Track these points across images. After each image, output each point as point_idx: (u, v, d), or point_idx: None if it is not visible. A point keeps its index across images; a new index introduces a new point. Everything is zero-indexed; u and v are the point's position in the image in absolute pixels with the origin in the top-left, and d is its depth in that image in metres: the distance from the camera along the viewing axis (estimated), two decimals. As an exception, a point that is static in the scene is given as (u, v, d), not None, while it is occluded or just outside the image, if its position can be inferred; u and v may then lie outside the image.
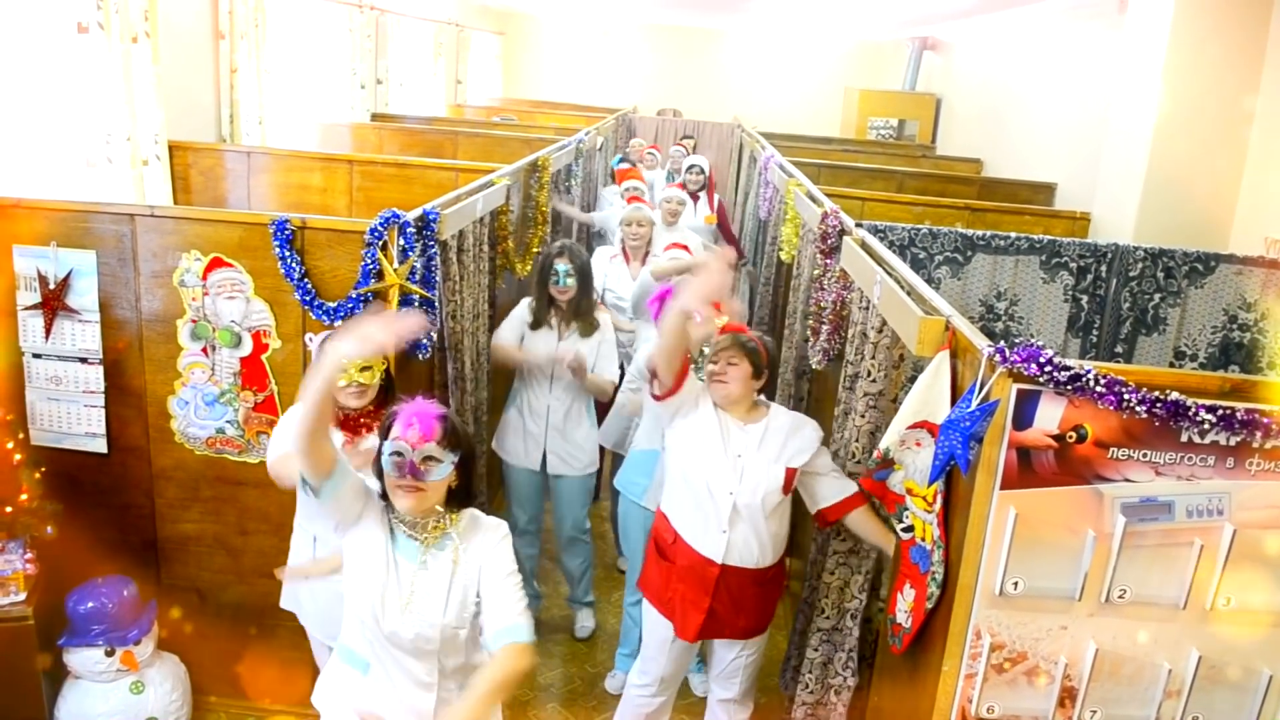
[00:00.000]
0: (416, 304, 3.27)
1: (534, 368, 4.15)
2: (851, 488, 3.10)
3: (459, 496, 2.42)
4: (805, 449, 3.15)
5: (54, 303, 3.33)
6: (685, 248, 4.84)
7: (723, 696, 3.42)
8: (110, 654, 3.30)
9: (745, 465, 3.12)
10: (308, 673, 3.61)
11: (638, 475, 3.88)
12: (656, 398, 3.26)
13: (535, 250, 5.26)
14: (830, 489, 3.14)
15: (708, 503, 3.14)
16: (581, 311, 4.14)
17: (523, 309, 4.20)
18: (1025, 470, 2.13)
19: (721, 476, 3.11)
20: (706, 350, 3.39)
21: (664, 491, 3.38)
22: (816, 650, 3.14)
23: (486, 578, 2.39)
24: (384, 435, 2.35)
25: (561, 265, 4.06)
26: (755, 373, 3.17)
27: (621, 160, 8.16)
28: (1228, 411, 2.03)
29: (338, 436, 2.98)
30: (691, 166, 7.66)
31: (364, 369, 2.90)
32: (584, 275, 4.11)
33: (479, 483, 2.51)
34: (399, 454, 2.29)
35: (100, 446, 3.48)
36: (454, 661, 2.45)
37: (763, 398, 3.30)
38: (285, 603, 3.27)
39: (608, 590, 4.92)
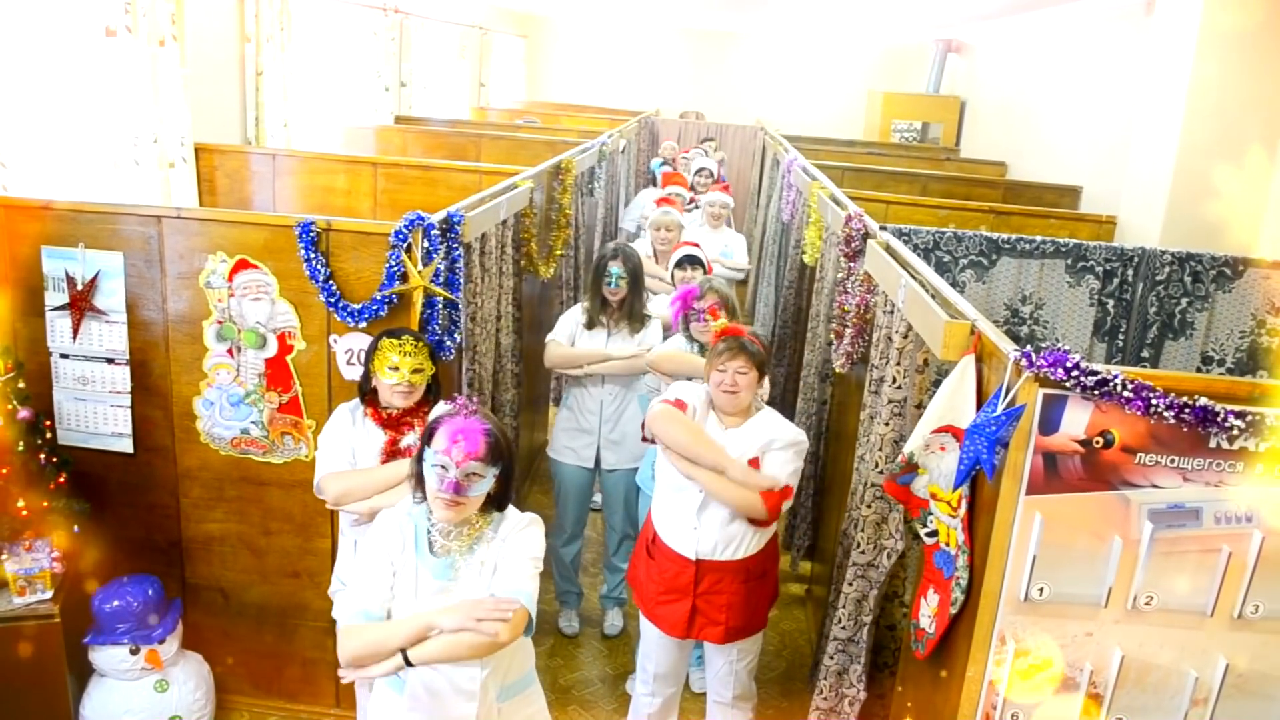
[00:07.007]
0: (441, 305, 3.28)
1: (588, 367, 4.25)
2: (776, 485, 3.08)
3: (496, 502, 2.47)
4: (773, 446, 3.13)
5: (81, 303, 3.36)
6: (696, 245, 4.93)
7: (716, 699, 3.45)
8: (135, 652, 3.33)
9: None
10: (330, 673, 3.63)
11: (651, 470, 3.90)
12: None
13: (559, 253, 5.28)
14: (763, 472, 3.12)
15: (679, 496, 3.19)
16: (632, 312, 4.25)
17: (576, 311, 4.32)
18: (1051, 475, 2.11)
19: None
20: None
21: (654, 489, 3.44)
22: (833, 659, 3.13)
23: (504, 559, 2.42)
24: (426, 439, 2.37)
25: (615, 268, 4.18)
26: (760, 375, 3.22)
27: (664, 164, 8.22)
28: (1257, 417, 2.01)
29: (381, 435, 2.98)
30: (700, 169, 7.86)
31: (416, 371, 2.92)
32: (635, 277, 4.23)
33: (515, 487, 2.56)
34: (443, 467, 2.32)
35: (126, 446, 3.51)
36: (493, 667, 2.47)
37: (761, 399, 3.33)
38: None
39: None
